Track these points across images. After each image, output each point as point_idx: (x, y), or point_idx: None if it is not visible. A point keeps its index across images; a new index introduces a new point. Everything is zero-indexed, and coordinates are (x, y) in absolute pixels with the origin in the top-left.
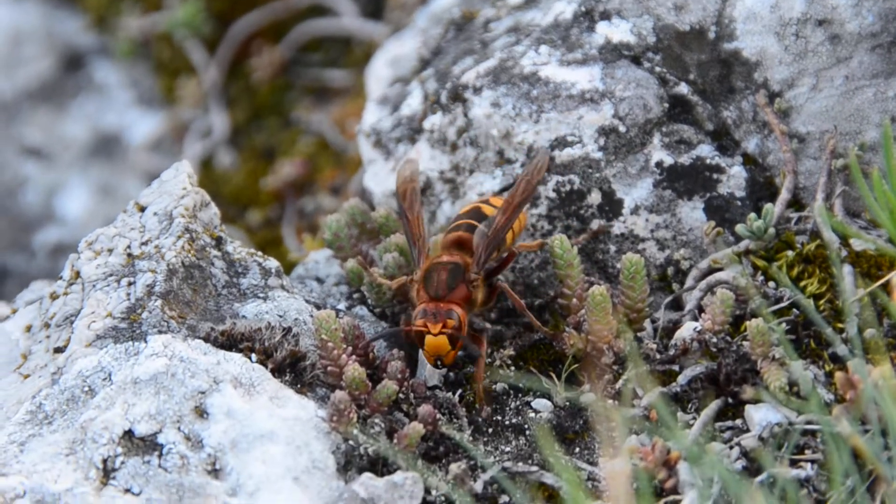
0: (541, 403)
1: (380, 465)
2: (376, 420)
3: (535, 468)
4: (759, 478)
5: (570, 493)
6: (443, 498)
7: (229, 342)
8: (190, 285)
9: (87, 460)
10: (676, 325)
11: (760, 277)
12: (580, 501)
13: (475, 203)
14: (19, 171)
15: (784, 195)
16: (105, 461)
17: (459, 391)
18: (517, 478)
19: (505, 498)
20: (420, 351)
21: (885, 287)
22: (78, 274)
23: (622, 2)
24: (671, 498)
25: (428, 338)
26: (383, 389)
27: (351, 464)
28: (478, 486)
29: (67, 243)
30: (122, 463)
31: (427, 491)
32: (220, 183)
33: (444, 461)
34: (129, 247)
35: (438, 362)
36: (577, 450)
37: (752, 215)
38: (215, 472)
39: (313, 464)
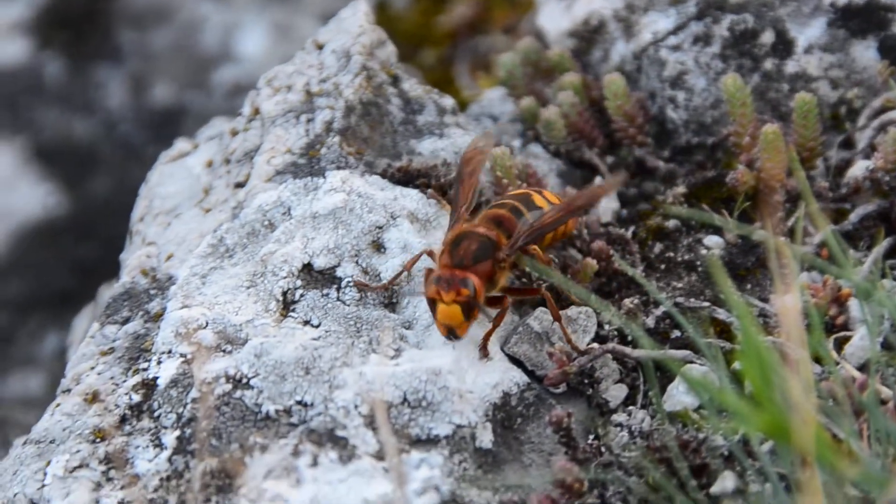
0: (713, 240)
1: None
2: (550, 255)
3: (706, 303)
4: None
5: (742, 327)
6: (616, 332)
7: (406, 178)
8: (367, 122)
9: (267, 293)
10: (848, 163)
11: None
12: (752, 335)
13: (527, 189)
14: (196, 12)
15: None
16: (285, 294)
17: (633, 227)
18: (689, 313)
19: (677, 333)
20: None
21: None
22: (257, 111)
23: None
24: (842, 334)
25: (440, 306)
26: None
27: (525, 299)
28: (650, 321)
29: (245, 83)
30: (302, 295)
31: (600, 325)
32: (394, 22)
33: (616, 297)
34: (307, 84)
35: (451, 334)
36: (749, 286)
37: None
38: (392, 306)
39: None
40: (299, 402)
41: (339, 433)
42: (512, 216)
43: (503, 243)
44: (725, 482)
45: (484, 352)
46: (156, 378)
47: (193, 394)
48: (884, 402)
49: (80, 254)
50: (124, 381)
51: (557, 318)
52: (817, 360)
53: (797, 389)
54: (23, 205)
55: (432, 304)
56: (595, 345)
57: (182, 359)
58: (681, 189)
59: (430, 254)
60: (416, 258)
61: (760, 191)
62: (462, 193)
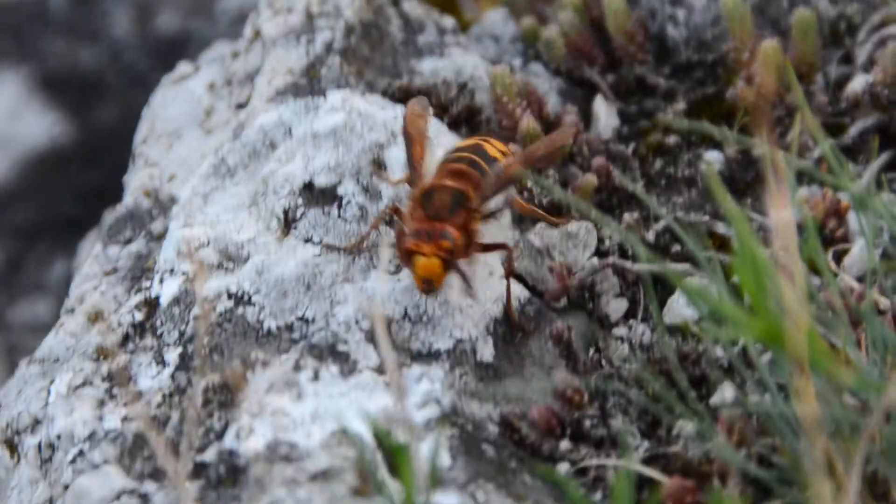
0: (712, 156)
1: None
2: (551, 172)
3: (706, 217)
4: None
5: (738, 235)
6: (616, 247)
7: (406, 97)
8: (367, 43)
9: (268, 211)
10: (848, 78)
11: None
12: (748, 243)
13: (476, 139)
14: None
15: None
16: (286, 212)
17: (633, 144)
18: (689, 227)
19: (677, 247)
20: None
21: None
22: (258, 33)
23: None
24: (840, 246)
25: (420, 260)
26: None
27: (526, 215)
28: (650, 236)
29: (248, 10)
30: (303, 214)
31: (600, 240)
32: None
33: (617, 212)
34: (308, 5)
35: (428, 287)
36: (749, 200)
37: None
38: (392, 222)
39: None
40: (300, 318)
41: (341, 348)
42: (471, 169)
43: (472, 195)
44: (724, 393)
45: (471, 291)
46: (158, 297)
47: (195, 311)
48: (882, 312)
49: (87, 181)
50: (127, 300)
51: (532, 211)
52: (816, 272)
53: (792, 298)
54: (29, 133)
55: (408, 256)
56: (595, 259)
57: (184, 277)
58: (681, 105)
59: (396, 210)
60: (381, 216)
61: (760, 106)
62: (416, 154)
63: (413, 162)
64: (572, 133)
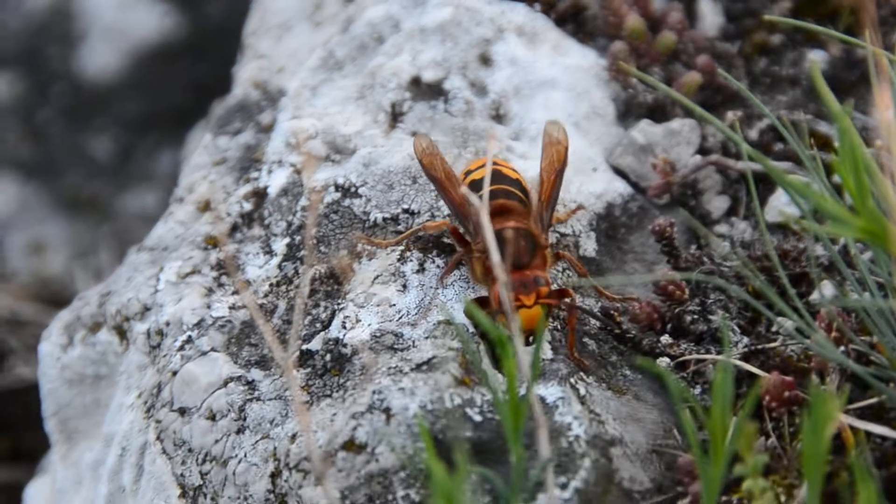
0: (817, 55)
1: (658, 114)
2: (655, 69)
3: (809, 117)
4: None
5: (840, 132)
6: (719, 145)
7: None
8: None
9: (375, 104)
10: None
11: None
12: (850, 140)
13: (483, 161)
14: None
15: None
16: (393, 105)
17: (738, 42)
18: (792, 126)
19: (780, 145)
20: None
21: None
22: None
23: None
24: None
25: (522, 312)
26: (662, 39)
27: (630, 112)
28: (753, 134)
29: None
30: (410, 107)
31: (703, 138)
32: None
33: (721, 110)
34: None
35: (531, 338)
36: (852, 101)
37: None
38: (498, 118)
39: (593, 110)
40: (406, 210)
41: (446, 239)
42: (512, 202)
43: (536, 232)
44: (824, 290)
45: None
46: (266, 187)
47: (303, 202)
48: None
49: (197, 73)
50: (236, 190)
51: (584, 274)
52: None
53: (893, 196)
54: (140, 26)
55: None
56: (698, 157)
57: (292, 168)
58: (786, 4)
59: (471, 253)
60: (439, 225)
61: (864, 5)
62: (454, 197)
63: (454, 206)
64: (566, 137)
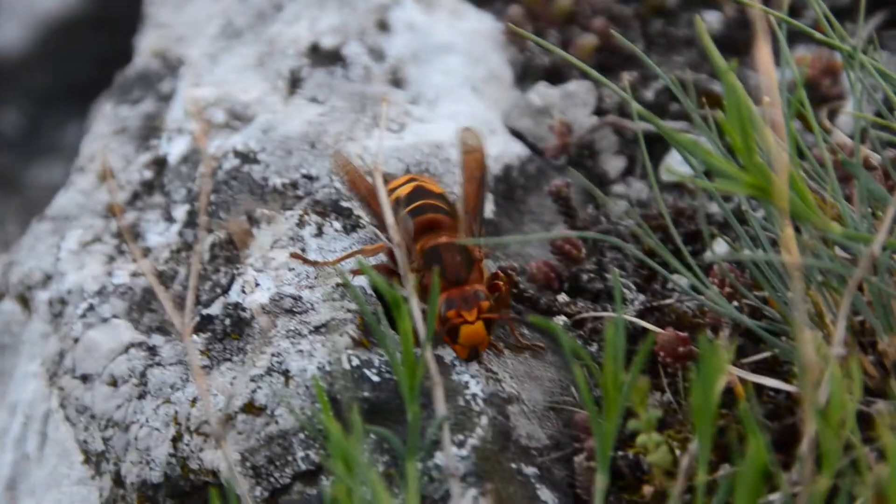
0: (712, 16)
1: (554, 77)
2: (552, 32)
3: (704, 76)
4: None
5: (725, 87)
6: (616, 105)
7: None
8: None
9: (275, 72)
10: None
11: None
12: (739, 102)
13: (412, 183)
14: None
15: None
16: (292, 72)
17: (635, 4)
18: (686, 86)
19: (675, 106)
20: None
21: None
22: None
23: None
24: (835, 104)
25: (464, 328)
26: (559, 3)
27: (527, 75)
28: (649, 95)
29: None
30: (309, 74)
31: (600, 99)
32: None
33: (617, 71)
34: None
35: (472, 353)
36: (746, 59)
37: None
38: (396, 82)
39: (491, 74)
40: (305, 176)
41: (344, 204)
42: (442, 216)
43: (470, 246)
44: (717, 247)
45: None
46: (167, 155)
47: (202, 169)
48: (872, 168)
49: (100, 45)
50: (136, 159)
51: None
52: (811, 130)
53: (778, 149)
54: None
55: (454, 329)
56: (595, 118)
57: (191, 136)
58: None
59: (413, 271)
60: (377, 247)
61: None
62: (378, 211)
63: (378, 220)
64: (483, 145)
